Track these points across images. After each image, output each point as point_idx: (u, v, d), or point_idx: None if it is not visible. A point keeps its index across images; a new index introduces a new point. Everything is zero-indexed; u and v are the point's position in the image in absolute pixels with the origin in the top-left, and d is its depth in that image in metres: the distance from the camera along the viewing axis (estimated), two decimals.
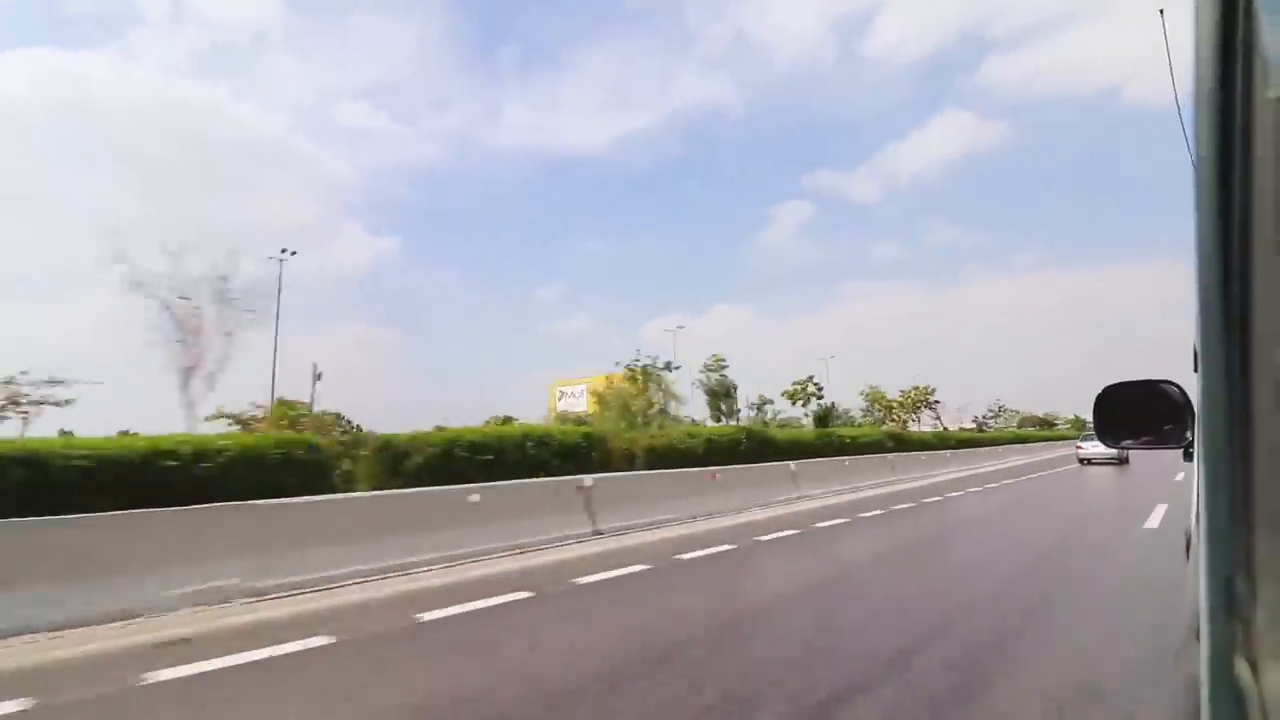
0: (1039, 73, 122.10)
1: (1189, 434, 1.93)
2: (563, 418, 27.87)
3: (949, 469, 23.54)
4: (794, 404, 37.26)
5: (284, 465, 7.93)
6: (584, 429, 13.75)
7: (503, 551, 7.20)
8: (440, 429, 11.47)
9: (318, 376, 29.96)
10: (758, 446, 17.15)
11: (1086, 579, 5.84)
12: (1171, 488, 13.69)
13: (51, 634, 4.34)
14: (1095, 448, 25.65)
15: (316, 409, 26.12)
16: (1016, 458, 33.31)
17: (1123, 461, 25.10)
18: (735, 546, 7.62)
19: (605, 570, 6.22)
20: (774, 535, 8.41)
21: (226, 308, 13.40)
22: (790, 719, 2.87)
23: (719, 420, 28.98)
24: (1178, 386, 1.90)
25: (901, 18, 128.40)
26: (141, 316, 12.81)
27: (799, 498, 13.08)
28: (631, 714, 2.96)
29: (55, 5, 70.76)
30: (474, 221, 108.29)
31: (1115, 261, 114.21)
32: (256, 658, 3.85)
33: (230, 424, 18.54)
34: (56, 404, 19.81)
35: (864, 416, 41.44)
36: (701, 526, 9.38)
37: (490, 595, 5.29)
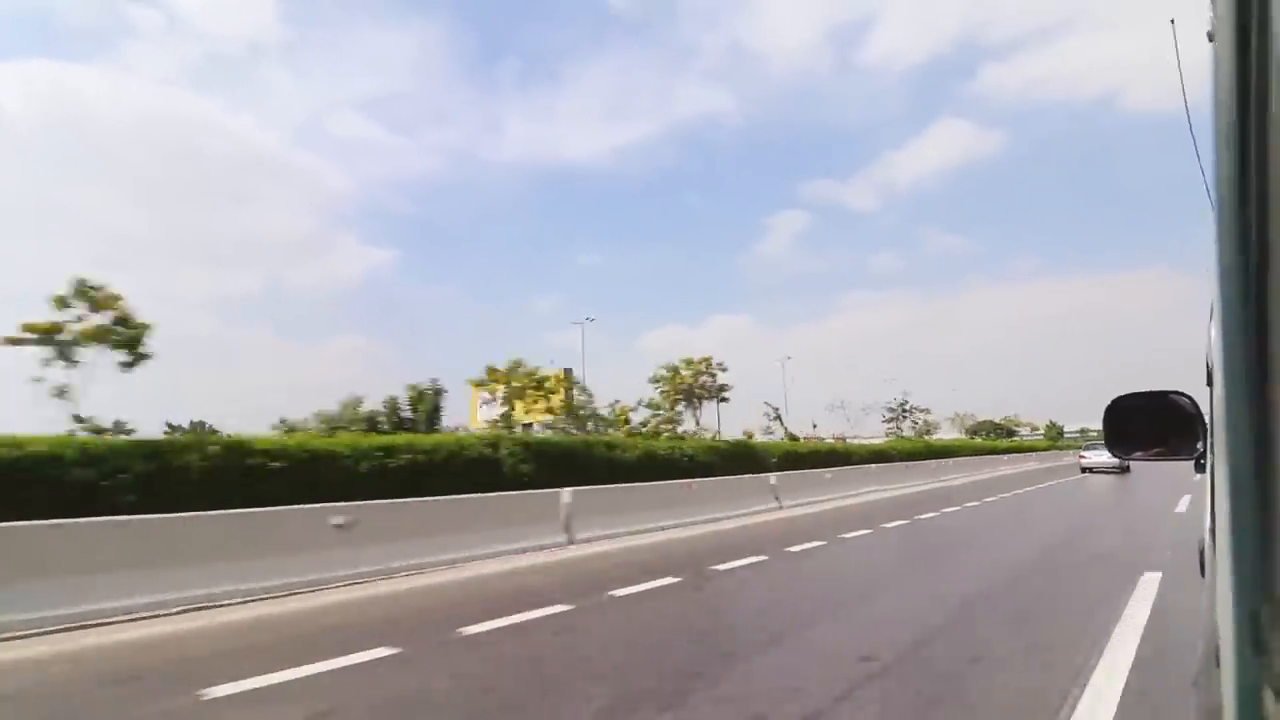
0: (1036, 80, 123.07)
1: (1200, 445, 1.90)
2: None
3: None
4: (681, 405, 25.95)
5: None
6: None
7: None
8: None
9: None
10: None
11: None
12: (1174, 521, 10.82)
13: None
14: (1098, 457, 26.48)
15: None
16: (914, 482, 22.22)
17: (1124, 470, 25.58)
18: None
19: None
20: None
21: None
22: None
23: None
24: (1189, 398, 1.88)
25: (897, 26, 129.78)
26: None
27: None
28: None
29: (49, 17, 71.20)
30: (473, 233, 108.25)
31: (1113, 269, 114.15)
32: None
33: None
34: None
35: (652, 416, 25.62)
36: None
37: None
